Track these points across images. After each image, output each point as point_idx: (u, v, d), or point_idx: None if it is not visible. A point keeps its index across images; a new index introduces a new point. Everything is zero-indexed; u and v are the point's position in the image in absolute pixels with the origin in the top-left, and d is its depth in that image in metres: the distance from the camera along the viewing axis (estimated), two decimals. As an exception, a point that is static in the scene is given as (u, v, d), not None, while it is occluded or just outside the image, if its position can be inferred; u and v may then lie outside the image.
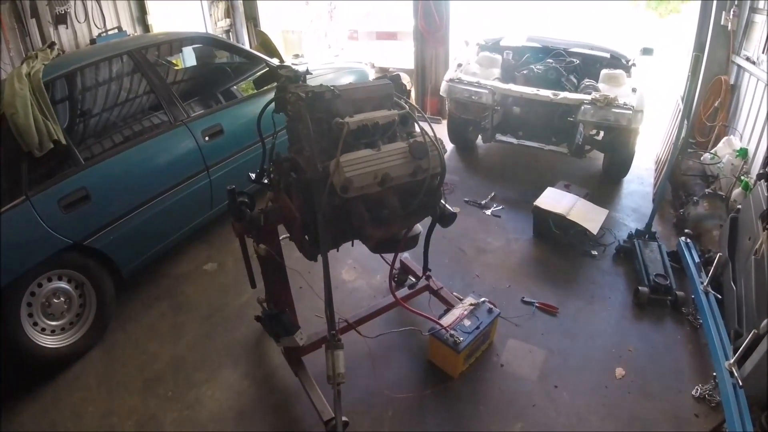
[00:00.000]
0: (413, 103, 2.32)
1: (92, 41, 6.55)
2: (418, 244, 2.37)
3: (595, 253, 3.84)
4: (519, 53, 5.51)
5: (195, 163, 3.81)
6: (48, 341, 3.12)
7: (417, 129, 2.18)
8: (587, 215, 3.82)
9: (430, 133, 2.09)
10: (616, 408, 2.66)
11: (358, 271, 3.79)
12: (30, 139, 2.95)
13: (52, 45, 3.83)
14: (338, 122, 1.97)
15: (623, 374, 2.84)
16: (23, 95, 2.98)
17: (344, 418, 2.41)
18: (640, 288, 3.33)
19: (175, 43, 4.47)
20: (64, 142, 3.13)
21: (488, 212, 4.45)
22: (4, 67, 5.63)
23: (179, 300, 3.69)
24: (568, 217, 3.74)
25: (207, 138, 3.87)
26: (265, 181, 2.42)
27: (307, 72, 2.31)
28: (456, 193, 4.77)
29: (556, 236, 3.89)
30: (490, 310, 2.91)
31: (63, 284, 3.21)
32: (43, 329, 3.13)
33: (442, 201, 2.33)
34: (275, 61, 4.75)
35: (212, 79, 4.92)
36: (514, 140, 4.98)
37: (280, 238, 2.48)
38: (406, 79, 4.98)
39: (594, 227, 3.76)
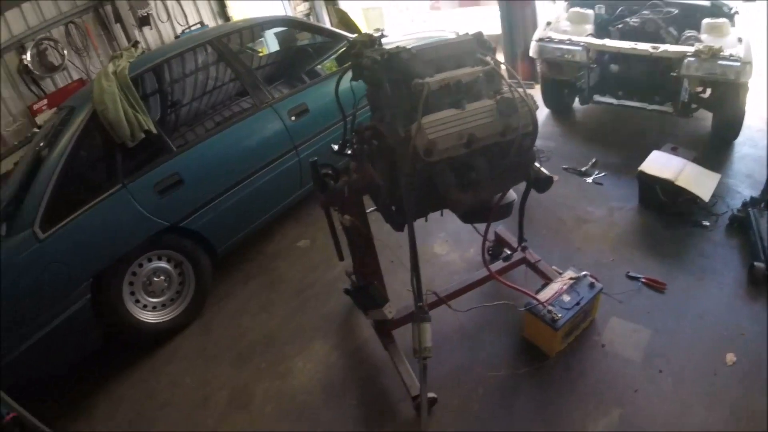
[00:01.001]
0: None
1: (177, 38, 6.83)
2: (513, 214, 2.22)
3: (706, 223, 3.45)
4: (612, 6, 5.07)
5: (283, 143, 3.86)
6: (149, 317, 3.33)
7: (505, 88, 2.02)
8: (697, 181, 3.43)
9: (519, 89, 1.93)
10: (723, 397, 2.35)
11: (450, 244, 3.66)
12: (122, 131, 3.15)
13: (135, 44, 4.05)
14: (418, 83, 1.85)
15: (734, 360, 2.51)
16: (111, 91, 3.17)
17: (432, 395, 2.34)
18: (755, 264, 2.92)
19: (256, 27, 4.55)
20: (155, 131, 3.30)
21: (589, 179, 4.14)
22: (96, 71, 6.06)
23: (273, 276, 3.79)
24: (677, 183, 3.37)
25: (293, 118, 3.90)
26: (349, 152, 2.37)
27: (382, 35, 2.22)
28: (553, 160, 4.45)
29: (663, 204, 3.53)
30: (591, 285, 2.67)
31: (163, 264, 3.39)
32: (145, 306, 3.33)
33: (537, 164, 2.16)
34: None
35: (296, 61, 4.97)
36: (613, 101, 4.61)
37: (368, 211, 2.43)
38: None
39: (705, 194, 3.37)
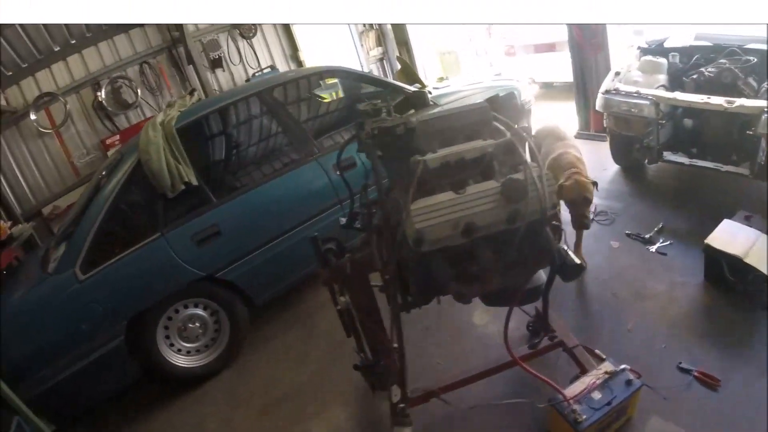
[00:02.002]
0: (529, 125, 1.98)
1: (248, 80, 6.88)
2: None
3: (777, 307, 2.99)
4: (687, 55, 4.61)
5: (327, 197, 3.78)
6: (182, 361, 3.41)
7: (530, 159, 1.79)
8: (770, 257, 3.00)
9: (535, 165, 1.74)
10: None
11: (490, 313, 3.36)
12: (163, 181, 3.25)
13: (192, 92, 4.20)
14: (415, 160, 1.71)
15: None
16: (156, 142, 3.30)
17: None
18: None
19: (302, 79, 4.55)
20: (195, 183, 3.38)
21: (653, 249, 3.72)
22: (166, 111, 6.37)
23: (310, 329, 3.77)
24: (745, 260, 2.96)
25: (339, 171, 3.85)
26: (358, 226, 2.29)
27: (388, 104, 2.06)
28: (618, 223, 4.11)
29: (730, 282, 3.12)
30: (629, 382, 2.33)
31: (199, 311, 3.46)
32: (179, 350, 3.41)
33: (564, 247, 1.96)
34: (415, 87, 4.62)
35: (355, 110, 4.96)
36: (685, 160, 4.16)
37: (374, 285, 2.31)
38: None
39: (776, 273, 2.94)
